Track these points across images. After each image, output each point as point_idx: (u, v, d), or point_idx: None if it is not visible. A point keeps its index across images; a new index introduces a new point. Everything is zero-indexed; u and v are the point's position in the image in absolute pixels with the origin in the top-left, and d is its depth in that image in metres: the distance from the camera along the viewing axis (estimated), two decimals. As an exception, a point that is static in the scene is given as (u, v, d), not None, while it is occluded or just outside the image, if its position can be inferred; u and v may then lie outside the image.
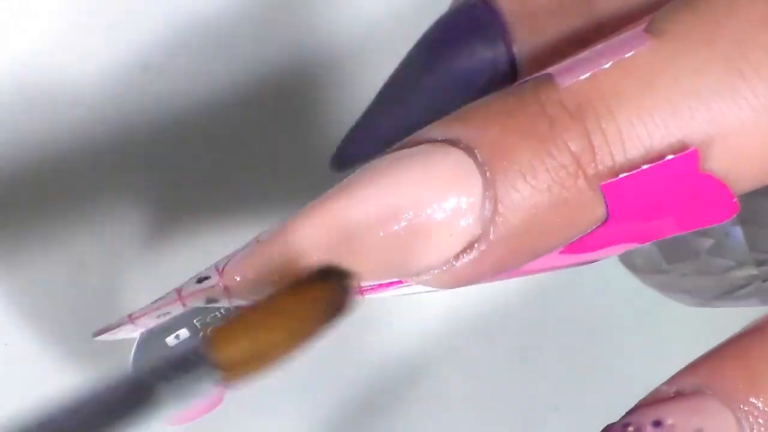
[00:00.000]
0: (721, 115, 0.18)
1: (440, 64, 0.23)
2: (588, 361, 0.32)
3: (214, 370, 0.16)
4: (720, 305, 0.27)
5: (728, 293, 0.27)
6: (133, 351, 0.21)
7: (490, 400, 0.31)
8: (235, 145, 0.29)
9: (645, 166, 0.18)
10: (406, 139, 0.19)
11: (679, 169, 0.18)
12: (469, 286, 0.32)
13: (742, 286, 0.26)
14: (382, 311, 0.31)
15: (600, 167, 0.18)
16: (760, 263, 0.26)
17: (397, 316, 0.31)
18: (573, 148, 0.18)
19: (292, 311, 0.17)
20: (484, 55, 0.23)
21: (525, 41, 0.23)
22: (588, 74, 0.18)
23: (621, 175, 0.18)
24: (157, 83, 0.28)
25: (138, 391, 0.16)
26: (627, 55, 0.18)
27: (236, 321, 0.17)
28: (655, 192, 0.18)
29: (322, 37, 0.28)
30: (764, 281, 0.26)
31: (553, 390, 0.32)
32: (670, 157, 0.18)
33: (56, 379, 0.28)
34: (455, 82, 0.23)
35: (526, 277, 0.31)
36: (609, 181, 0.18)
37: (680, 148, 0.18)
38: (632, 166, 0.18)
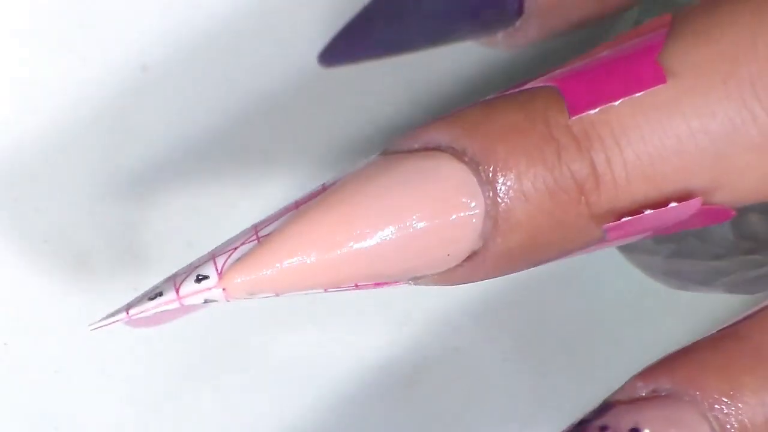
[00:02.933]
0: (727, 156, 0.18)
1: None
2: (588, 359, 0.32)
3: None
4: (704, 291, 0.27)
5: (713, 280, 0.26)
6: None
7: (490, 399, 0.31)
8: (235, 141, 0.29)
9: (648, 212, 0.18)
10: (411, 135, 0.19)
11: (681, 211, 0.18)
12: (470, 284, 0.31)
13: (726, 274, 0.26)
14: (382, 311, 0.31)
15: (603, 196, 0.18)
16: (745, 251, 0.25)
17: (397, 316, 0.31)
18: (577, 175, 0.18)
19: None
20: None
21: None
22: (596, 110, 0.18)
23: (623, 219, 0.18)
24: (157, 83, 0.28)
25: None
26: (638, 95, 0.18)
27: None
28: (656, 224, 0.19)
29: (324, 37, 0.28)
30: (748, 271, 0.26)
31: (554, 390, 0.32)
32: (673, 204, 0.18)
33: (56, 379, 0.28)
34: (460, 10, 0.23)
35: (525, 278, 0.31)
36: (611, 224, 0.18)
37: (685, 197, 0.18)
38: (634, 200, 0.18)
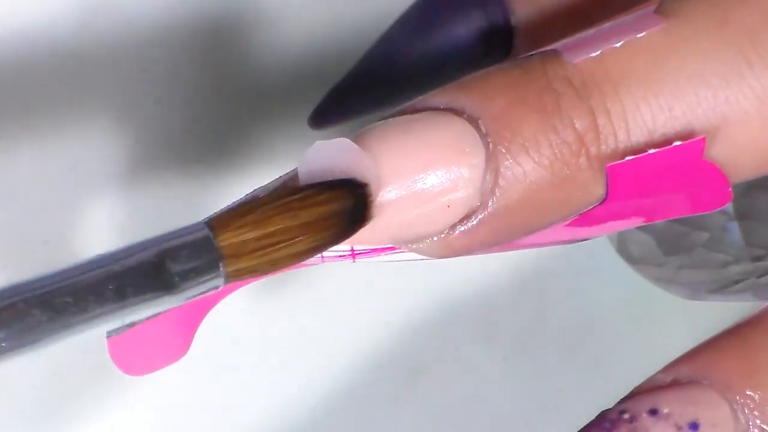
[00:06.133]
0: (725, 103, 0.18)
1: (434, 29, 0.23)
2: (588, 359, 0.32)
3: (218, 257, 0.16)
4: (715, 299, 0.27)
5: (724, 288, 0.27)
6: None
7: (490, 399, 0.31)
8: (236, 142, 0.29)
9: (652, 151, 0.18)
10: (408, 104, 0.19)
11: (684, 156, 0.18)
12: (469, 282, 0.31)
13: (737, 281, 0.26)
14: (383, 311, 0.31)
15: (603, 147, 0.18)
16: (755, 259, 0.26)
17: (398, 317, 0.31)
18: (578, 125, 0.18)
19: (306, 214, 0.17)
20: (481, 23, 0.23)
21: (523, 11, 0.23)
22: (597, 52, 0.18)
23: (627, 158, 0.18)
24: (157, 83, 0.28)
25: (146, 267, 0.15)
26: (637, 36, 0.18)
27: (244, 211, 0.16)
28: (655, 176, 0.18)
29: (322, 36, 0.29)
30: (759, 277, 0.26)
31: (553, 389, 0.32)
32: (677, 143, 0.18)
33: (56, 379, 0.28)
34: (448, 48, 0.23)
35: (525, 278, 0.31)
36: (615, 163, 0.18)
37: (688, 135, 0.18)
38: (634, 147, 0.18)
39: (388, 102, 0.24)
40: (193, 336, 0.21)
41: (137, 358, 0.20)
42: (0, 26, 0.26)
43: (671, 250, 0.26)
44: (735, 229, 0.26)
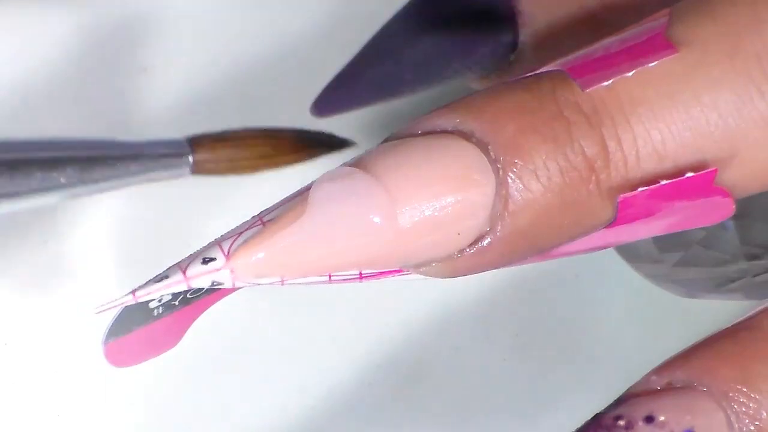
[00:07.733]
0: (736, 132, 0.18)
1: (440, 19, 0.23)
2: (587, 359, 0.32)
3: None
4: (711, 297, 0.27)
5: (719, 286, 0.27)
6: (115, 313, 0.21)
7: (489, 399, 0.31)
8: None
9: (664, 182, 0.18)
10: (413, 124, 0.18)
11: (694, 185, 0.18)
12: (469, 283, 0.31)
13: (732, 280, 0.26)
14: (383, 311, 0.31)
15: (613, 174, 0.18)
16: (751, 257, 0.26)
17: (397, 316, 0.31)
18: (588, 152, 0.18)
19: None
20: (487, 16, 0.23)
21: (531, 14, 0.23)
22: (609, 82, 0.18)
23: (639, 189, 0.18)
24: (157, 83, 0.28)
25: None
26: (650, 65, 0.18)
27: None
28: (664, 202, 0.18)
29: (320, 34, 0.28)
30: (755, 276, 0.26)
31: (553, 389, 0.32)
32: (689, 174, 0.18)
33: (56, 379, 0.28)
34: (453, 45, 0.23)
35: (525, 278, 0.31)
36: (626, 195, 0.18)
37: (699, 164, 0.18)
38: (644, 175, 0.18)
39: (391, 90, 0.24)
40: (185, 332, 0.21)
41: (126, 351, 0.20)
42: (0, 30, 0.26)
43: (668, 248, 0.26)
44: (731, 227, 0.26)
